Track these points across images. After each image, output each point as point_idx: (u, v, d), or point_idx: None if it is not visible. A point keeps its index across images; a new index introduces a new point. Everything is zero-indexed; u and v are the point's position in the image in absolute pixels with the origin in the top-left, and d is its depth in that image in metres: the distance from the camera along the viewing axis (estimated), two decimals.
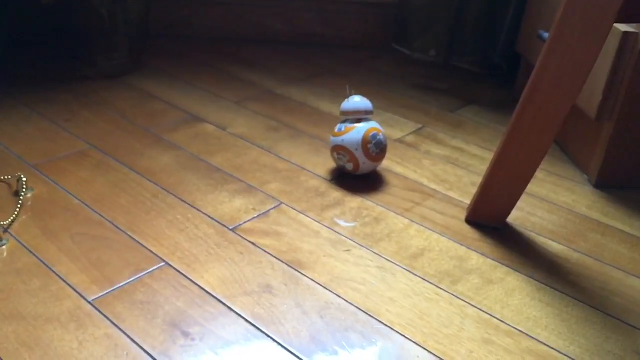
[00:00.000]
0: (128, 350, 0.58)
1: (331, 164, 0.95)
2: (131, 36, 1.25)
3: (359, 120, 0.88)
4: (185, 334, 0.60)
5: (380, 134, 0.88)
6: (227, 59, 1.38)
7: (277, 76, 1.30)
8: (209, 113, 1.10)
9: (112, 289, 0.65)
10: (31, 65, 1.28)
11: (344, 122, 0.89)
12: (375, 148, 0.87)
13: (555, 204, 0.87)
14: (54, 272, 0.68)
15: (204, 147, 0.97)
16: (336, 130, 0.89)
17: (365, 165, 0.88)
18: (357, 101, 0.89)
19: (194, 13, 1.47)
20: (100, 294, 0.65)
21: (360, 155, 0.87)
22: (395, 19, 1.46)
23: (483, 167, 0.96)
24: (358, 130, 0.87)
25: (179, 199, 0.83)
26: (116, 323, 0.61)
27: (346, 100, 0.90)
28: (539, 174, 0.96)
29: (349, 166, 0.89)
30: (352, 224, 0.79)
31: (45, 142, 0.96)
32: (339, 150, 0.88)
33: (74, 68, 1.26)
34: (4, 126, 1.01)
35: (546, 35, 0.97)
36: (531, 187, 0.91)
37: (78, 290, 0.65)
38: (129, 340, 0.59)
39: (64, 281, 0.66)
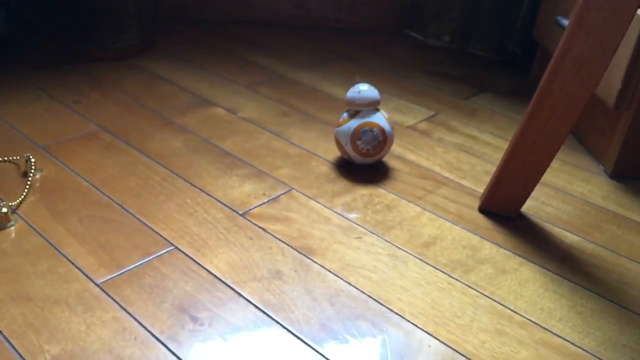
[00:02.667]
0: (136, 334, 0.57)
1: None
2: (141, 17, 1.23)
3: (357, 112, 0.85)
4: (194, 319, 0.59)
5: (375, 129, 0.83)
6: (238, 42, 1.37)
7: (289, 60, 1.28)
8: (220, 97, 1.09)
9: (120, 272, 0.65)
10: (40, 47, 1.27)
11: (346, 111, 0.88)
12: (365, 145, 0.84)
13: (570, 194, 0.86)
14: (62, 254, 0.67)
15: (214, 131, 0.96)
16: (339, 119, 0.88)
17: (357, 159, 0.86)
18: (358, 91, 0.85)
19: None
20: (108, 277, 0.64)
21: (349, 150, 0.85)
22: (409, 3, 1.44)
23: (497, 156, 0.95)
24: (349, 125, 0.84)
25: (189, 182, 0.82)
26: (124, 306, 0.60)
27: (351, 89, 0.86)
28: (553, 163, 0.94)
29: (345, 156, 0.88)
30: (363, 211, 0.78)
31: (54, 123, 0.96)
32: (335, 140, 0.88)
33: (84, 49, 1.25)
34: (13, 107, 1.00)
35: (564, 21, 0.95)
36: (546, 176, 0.90)
37: (86, 272, 0.64)
38: (137, 324, 0.58)
39: (72, 263, 0.66)
